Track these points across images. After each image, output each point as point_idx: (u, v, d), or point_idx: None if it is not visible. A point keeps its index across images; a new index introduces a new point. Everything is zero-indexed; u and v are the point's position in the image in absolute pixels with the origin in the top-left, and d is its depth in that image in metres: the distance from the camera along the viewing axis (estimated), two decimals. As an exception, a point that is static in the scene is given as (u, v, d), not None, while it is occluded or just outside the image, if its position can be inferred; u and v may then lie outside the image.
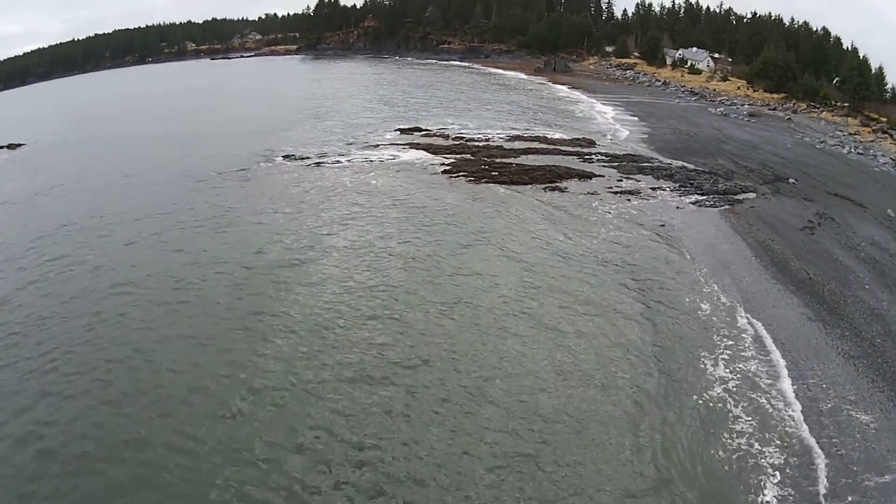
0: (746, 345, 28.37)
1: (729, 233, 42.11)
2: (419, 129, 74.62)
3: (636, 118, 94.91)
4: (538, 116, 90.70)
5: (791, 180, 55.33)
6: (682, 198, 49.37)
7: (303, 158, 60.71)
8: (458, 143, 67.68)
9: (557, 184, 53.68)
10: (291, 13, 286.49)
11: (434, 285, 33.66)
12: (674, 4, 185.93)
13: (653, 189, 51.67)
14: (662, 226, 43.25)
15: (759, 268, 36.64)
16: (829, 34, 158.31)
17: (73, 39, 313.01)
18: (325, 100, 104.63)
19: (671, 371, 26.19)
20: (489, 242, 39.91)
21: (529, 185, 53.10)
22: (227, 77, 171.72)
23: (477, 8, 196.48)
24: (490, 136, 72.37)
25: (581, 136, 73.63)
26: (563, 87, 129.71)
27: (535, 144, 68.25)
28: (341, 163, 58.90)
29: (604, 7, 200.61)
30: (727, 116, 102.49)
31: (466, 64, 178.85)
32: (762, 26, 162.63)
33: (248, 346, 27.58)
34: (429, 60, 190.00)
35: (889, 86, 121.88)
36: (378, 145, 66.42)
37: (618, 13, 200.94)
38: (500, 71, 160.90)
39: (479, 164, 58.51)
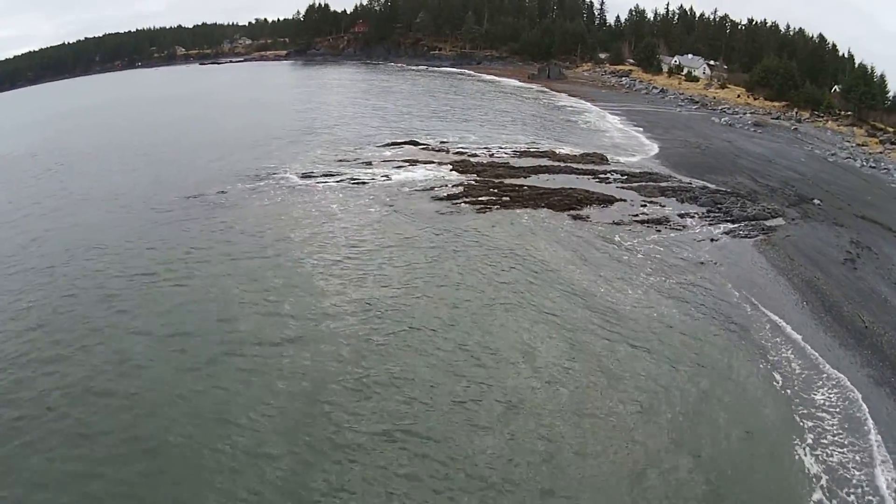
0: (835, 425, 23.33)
1: (772, 272, 37.00)
2: (416, 143, 65.88)
3: (641, 129, 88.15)
4: (541, 128, 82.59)
5: (816, 201, 51.31)
6: (713, 227, 43.71)
7: (286, 179, 51.85)
8: (459, 159, 59.02)
9: (577, 210, 46.15)
10: (282, 18, 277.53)
11: (453, 374, 24.96)
12: (668, 11, 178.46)
13: (680, 216, 45.48)
14: (702, 264, 37.54)
15: (812, 317, 31.86)
16: (826, 41, 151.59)
17: (64, 43, 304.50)
18: (314, 109, 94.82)
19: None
20: (512, 298, 31.65)
21: (546, 211, 45.36)
22: (214, 83, 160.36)
23: (469, 14, 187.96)
24: (494, 150, 63.96)
25: (591, 152, 65.74)
26: (563, 95, 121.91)
27: (545, 161, 60.08)
28: (329, 184, 50.01)
29: (596, 14, 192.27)
30: (732, 126, 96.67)
31: (459, 70, 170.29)
32: (758, 33, 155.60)
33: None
34: (419, 66, 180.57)
35: (891, 93, 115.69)
36: (371, 162, 57.61)
37: (611, 20, 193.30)
38: (494, 78, 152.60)
39: (487, 186, 50.05)
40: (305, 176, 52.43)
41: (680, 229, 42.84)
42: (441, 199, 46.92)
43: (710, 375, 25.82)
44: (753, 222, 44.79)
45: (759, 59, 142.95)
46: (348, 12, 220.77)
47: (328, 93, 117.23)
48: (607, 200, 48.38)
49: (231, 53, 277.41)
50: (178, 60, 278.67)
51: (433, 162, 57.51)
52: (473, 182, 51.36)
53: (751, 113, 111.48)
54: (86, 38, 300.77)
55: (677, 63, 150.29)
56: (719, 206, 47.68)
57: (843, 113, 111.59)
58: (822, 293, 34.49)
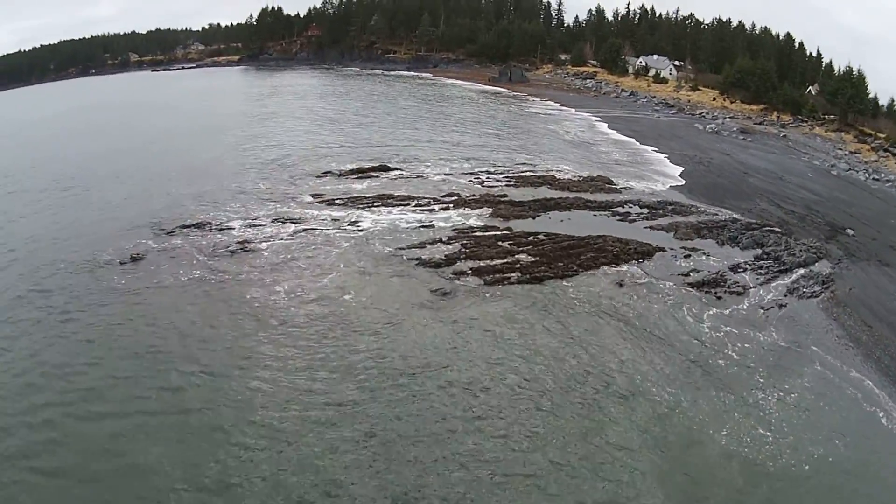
0: None
1: (859, 353, 27.34)
2: (387, 168, 50.06)
3: (634, 140, 74.19)
4: (524, 141, 67.62)
5: (849, 231, 44.28)
6: (770, 282, 33.22)
7: (221, 230, 35.75)
8: (446, 192, 43.85)
9: (617, 268, 32.54)
10: (235, 23, 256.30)
11: None
12: (629, 11, 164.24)
13: (732, 269, 34.12)
14: (789, 350, 26.93)
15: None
16: (793, 39, 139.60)
17: (20, 51, 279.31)
18: (264, 125, 76.77)
19: None
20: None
21: (583, 279, 31.10)
22: (157, 92, 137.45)
23: (424, 16, 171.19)
24: (482, 177, 48.89)
25: (595, 175, 51.74)
26: (533, 100, 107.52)
27: (549, 191, 45.91)
28: (278, 241, 34.20)
29: (553, 14, 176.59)
30: (720, 135, 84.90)
31: (415, 74, 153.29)
32: (725, 33, 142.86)
33: None
34: (374, 70, 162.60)
35: (872, 95, 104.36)
36: (334, 200, 41.85)
37: (569, 20, 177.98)
38: (454, 81, 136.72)
39: (493, 237, 35.01)
40: (248, 225, 36.39)
41: (740, 292, 31.53)
42: (434, 265, 31.63)
43: None
44: (805, 269, 35.61)
45: (727, 59, 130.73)
46: (301, 16, 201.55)
47: (280, 103, 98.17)
48: (645, 252, 34.96)
49: (184, 59, 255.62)
50: (132, 67, 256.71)
51: (413, 198, 42.11)
52: (473, 231, 36.10)
53: (730, 118, 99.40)
54: (41, 46, 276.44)
55: (643, 64, 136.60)
56: (763, 247, 37.67)
57: (827, 117, 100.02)
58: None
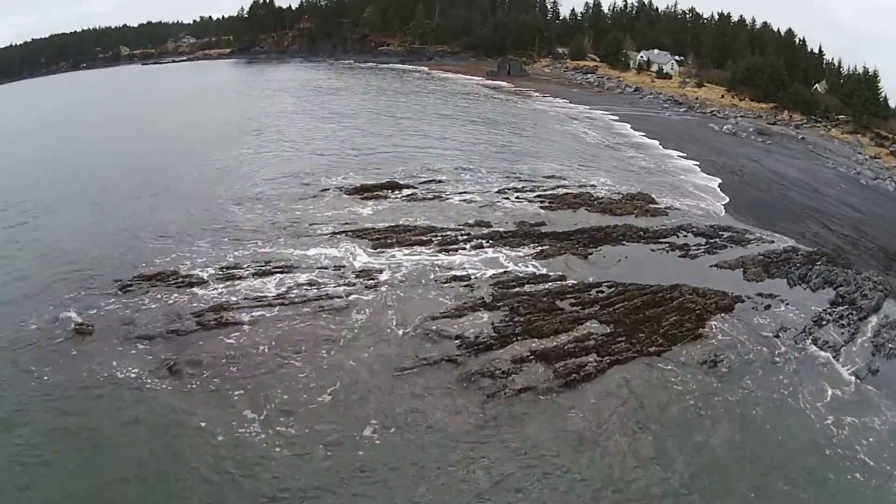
0: None
1: None
2: (396, 186, 40.02)
3: (656, 143, 65.36)
4: (544, 146, 58.06)
5: None
6: (854, 337, 26.06)
7: (187, 286, 25.62)
8: (473, 221, 34.07)
9: (704, 336, 24.29)
10: (227, 16, 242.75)
11: None
12: (626, 4, 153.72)
13: (816, 324, 26.64)
14: None
15: None
16: (794, 35, 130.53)
17: (12, 45, 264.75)
18: (252, 127, 64.06)
19: None
20: None
21: (668, 350, 22.70)
22: (146, 89, 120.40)
23: (419, 7, 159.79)
24: (513, 197, 39.25)
25: (636, 192, 42.85)
26: (537, 96, 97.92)
27: (590, 215, 37.25)
28: (250, 307, 24.13)
29: (549, 6, 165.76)
30: (737, 136, 76.55)
31: (411, 67, 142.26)
32: (727, 28, 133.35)
33: None
34: (368, 63, 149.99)
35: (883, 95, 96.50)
36: (329, 235, 31.80)
37: (564, 13, 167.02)
38: (452, 75, 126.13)
39: (549, 296, 25.37)
40: (223, 276, 26.37)
41: (835, 356, 24.16)
42: (482, 347, 21.83)
43: None
44: (878, 314, 28.99)
45: (730, 55, 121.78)
46: (293, 8, 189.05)
47: (271, 100, 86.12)
48: (725, 307, 26.77)
49: (175, 53, 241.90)
50: (123, 61, 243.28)
51: (435, 230, 32.38)
52: (521, 283, 26.51)
53: (741, 117, 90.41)
54: (32, 40, 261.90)
55: (646, 59, 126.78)
56: (833, 286, 31.34)
57: (840, 117, 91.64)
58: None
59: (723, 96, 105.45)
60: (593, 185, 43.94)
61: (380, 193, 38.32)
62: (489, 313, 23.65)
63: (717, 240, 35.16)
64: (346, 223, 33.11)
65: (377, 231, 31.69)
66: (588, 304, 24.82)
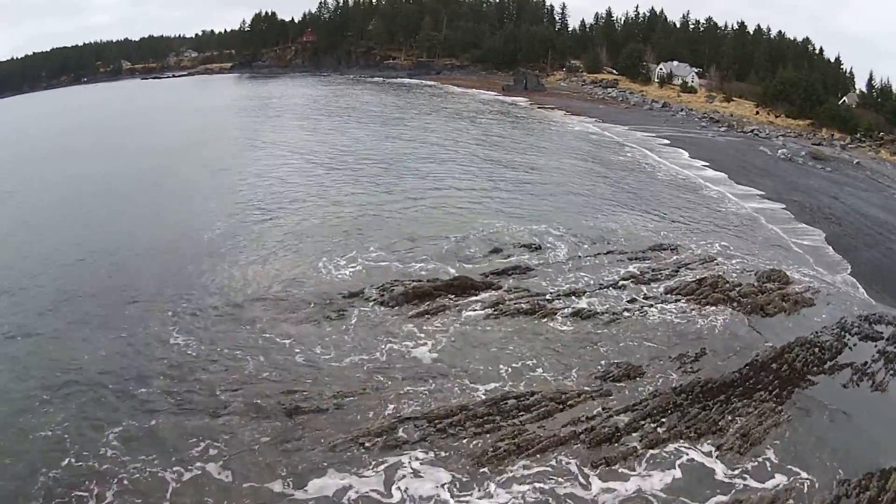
0: None
1: None
2: (471, 287, 24.77)
3: (725, 176, 53.03)
4: (622, 191, 43.88)
5: None
6: None
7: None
8: (623, 367, 20.00)
9: None
10: (229, 30, 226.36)
11: None
12: (637, 14, 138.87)
13: None
14: None
15: None
16: (812, 45, 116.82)
17: (13, 58, 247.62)
18: (249, 172, 44.98)
19: None
20: None
21: None
22: (135, 111, 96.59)
23: (426, 19, 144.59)
24: (640, 297, 25.09)
25: (768, 271, 28.39)
26: (564, 115, 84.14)
27: (751, 333, 23.00)
28: None
29: (557, 18, 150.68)
30: (794, 162, 63.36)
31: (420, 82, 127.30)
32: (745, 38, 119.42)
33: None
34: (375, 78, 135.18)
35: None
36: (367, 451, 17.49)
37: (573, 24, 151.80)
38: (465, 90, 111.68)
39: None
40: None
41: None
42: None
43: None
44: None
45: (751, 67, 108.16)
46: (296, 21, 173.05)
47: (274, 126, 68.65)
48: None
49: (177, 67, 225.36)
50: (124, 75, 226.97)
51: (562, 404, 18.01)
52: None
53: (782, 136, 76.94)
54: (34, 53, 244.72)
55: (667, 71, 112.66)
56: None
57: (884, 137, 78.91)
58: None
59: (757, 112, 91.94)
60: (714, 260, 29.87)
61: (445, 302, 23.52)
62: None
63: (891, 350, 22.11)
64: (404, 399, 17.89)
65: (458, 425, 16.61)
66: None
